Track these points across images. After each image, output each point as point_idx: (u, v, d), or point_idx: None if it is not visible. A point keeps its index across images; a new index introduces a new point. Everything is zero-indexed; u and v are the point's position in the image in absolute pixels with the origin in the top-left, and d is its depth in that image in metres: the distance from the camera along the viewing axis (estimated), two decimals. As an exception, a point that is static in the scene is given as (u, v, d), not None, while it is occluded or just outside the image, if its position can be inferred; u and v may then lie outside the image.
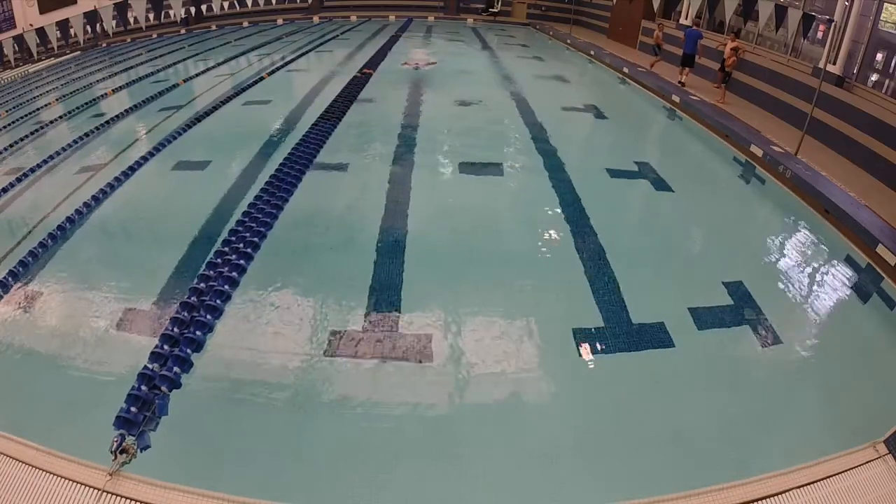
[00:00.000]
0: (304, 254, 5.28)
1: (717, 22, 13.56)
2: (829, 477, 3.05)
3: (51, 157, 7.84)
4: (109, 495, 2.86)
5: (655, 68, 13.01)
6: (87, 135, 8.79)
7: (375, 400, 3.60)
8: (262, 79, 12.09)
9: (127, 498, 2.85)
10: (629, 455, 3.28)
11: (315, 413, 3.54)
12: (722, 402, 3.73)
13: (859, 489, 3.01)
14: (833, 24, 8.99)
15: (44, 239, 5.42)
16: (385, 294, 4.51)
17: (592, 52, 15.71)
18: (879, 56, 8.78)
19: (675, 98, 10.62)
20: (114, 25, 14.91)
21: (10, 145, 8.69)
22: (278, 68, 13.38)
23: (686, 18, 13.45)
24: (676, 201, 6.54)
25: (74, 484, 2.90)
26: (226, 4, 19.98)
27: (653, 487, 2.96)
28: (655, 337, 4.14)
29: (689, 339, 4.16)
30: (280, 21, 23.41)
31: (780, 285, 4.98)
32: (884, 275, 5.17)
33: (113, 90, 11.99)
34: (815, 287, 5.10)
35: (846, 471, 3.09)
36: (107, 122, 9.51)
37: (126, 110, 10.15)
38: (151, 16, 14.73)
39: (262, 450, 3.26)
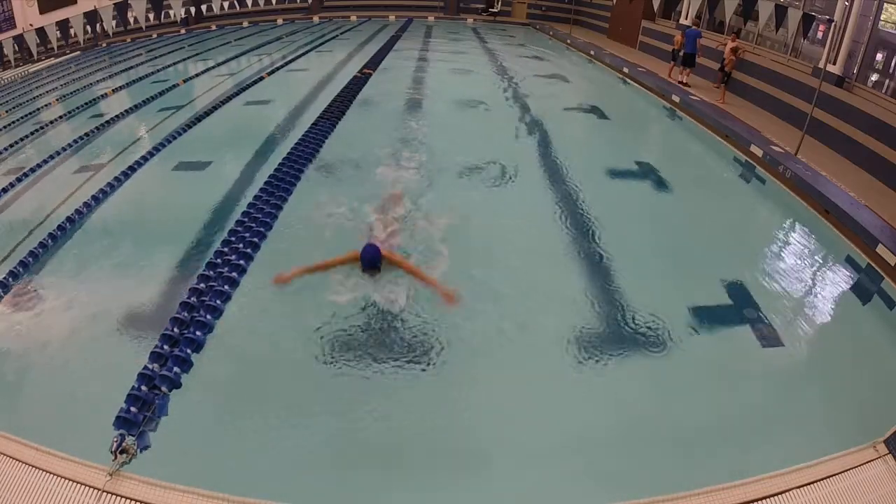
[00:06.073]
0: (303, 254, 5.27)
1: (717, 22, 13.56)
2: (829, 477, 3.05)
3: (51, 157, 7.83)
4: (109, 495, 2.86)
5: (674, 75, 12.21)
6: (87, 135, 8.78)
7: (376, 400, 3.60)
8: (261, 79, 12.09)
9: (127, 498, 2.85)
10: (629, 455, 3.28)
11: (315, 413, 3.53)
12: (722, 402, 3.72)
13: (859, 489, 3.01)
14: (833, 24, 8.99)
15: (44, 239, 5.41)
16: (385, 294, 4.50)
17: (592, 52, 15.71)
18: (879, 56, 8.78)
19: (675, 98, 10.61)
20: (114, 25, 14.96)
21: (10, 145, 8.69)
22: (278, 68, 13.38)
23: (686, 18, 13.45)
24: (676, 201, 6.54)
25: (74, 484, 2.90)
26: (226, 4, 20.02)
27: (653, 487, 2.96)
28: (655, 337, 4.14)
29: (689, 339, 4.15)
30: (280, 21, 23.43)
31: (780, 285, 4.97)
32: (884, 275, 5.16)
33: (113, 90, 11.99)
34: (815, 287, 5.09)
35: (846, 471, 3.10)
36: (107, 122, 9.50)
37: (126, 110, 10.15)
38: (151, 16, 14.77)
39: (262, 450, 3.26)
